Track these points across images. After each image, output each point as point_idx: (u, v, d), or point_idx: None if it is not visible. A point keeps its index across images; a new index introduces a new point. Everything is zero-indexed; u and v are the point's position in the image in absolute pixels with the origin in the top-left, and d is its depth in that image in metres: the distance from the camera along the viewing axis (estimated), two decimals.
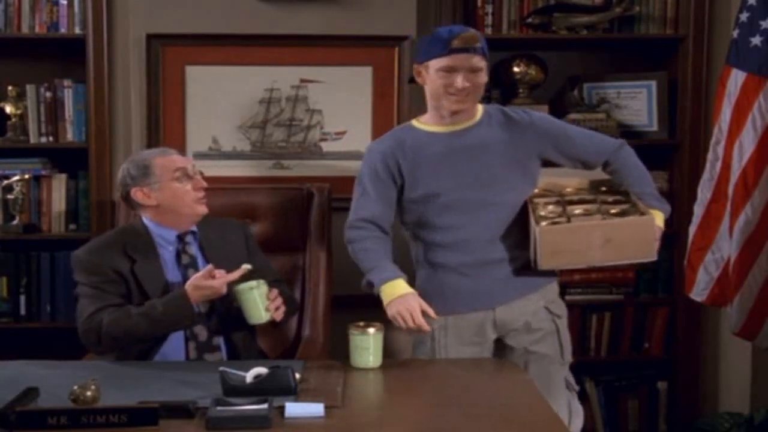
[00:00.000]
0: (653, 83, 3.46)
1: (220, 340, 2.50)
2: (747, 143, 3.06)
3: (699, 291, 3.23)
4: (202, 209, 2.54)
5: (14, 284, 3.32)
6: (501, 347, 2.58)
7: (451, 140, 2.52)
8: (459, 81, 2.43)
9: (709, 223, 3.14)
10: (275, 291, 2.41)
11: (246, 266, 2.39)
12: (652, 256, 2.45)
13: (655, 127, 3.46)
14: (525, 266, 2.50)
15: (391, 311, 2.41)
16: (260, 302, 2.35)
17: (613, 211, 2.49)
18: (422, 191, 2.51)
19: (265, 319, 2.37)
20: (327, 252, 2.98)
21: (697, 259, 3.20)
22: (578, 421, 2.60)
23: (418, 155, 2.52)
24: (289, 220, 2.98)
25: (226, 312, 2.49)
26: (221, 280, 2.34)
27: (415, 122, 2.60)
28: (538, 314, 2.54)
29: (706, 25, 3.40)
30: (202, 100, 3.30)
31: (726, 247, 3.14)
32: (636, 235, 2.42)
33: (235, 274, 2.36)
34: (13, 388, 1.94)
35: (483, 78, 2.47)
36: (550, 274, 2.55)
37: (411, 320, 2.37)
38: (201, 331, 2.47)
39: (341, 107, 3.32)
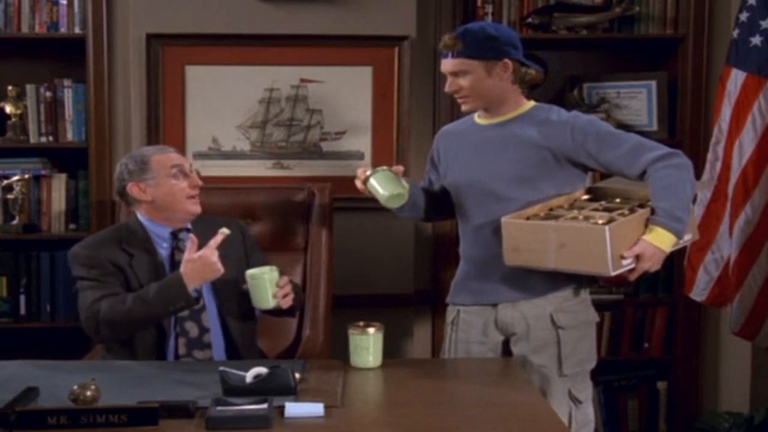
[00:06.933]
0: (653, 83, 3.46)
1: (211, 338, 2.50)
2: (747, 143, 3.07)
3: (699, 291, 3.24)
4: (195, 208, 2.55)
5: (14, 284, 3.32)
6: (507, 352, 2.56)
7: (483, 132, 2.56)
8: (446, 84, 2.52)
9: (709, 223, 3.15)
10: (286, 278, 2.43)
11: (224, 230, 2.40)
12: (605, 271, 2.28)
13: (654, 127, 3.46)
14: (534, 268, 2.44)
15: None
16: (269, 288, 2.36)
17: (601, 221, 2.33)
18: (450, 178, 2.62)
19: (271, 305, 2.38)
20: (328, 252, 2.98)
21: (697, 259, 3.21)
22: None
23: (455, 143, 2.62)
24: (290, 220, 2.98)
25: (225, 308, 2.51)
26: (207, 250, 2.34)
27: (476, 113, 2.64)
28: (540, 321, 2.48)
29: (706, 25, 3.40)
30: (202, 100, 3.29)
31: (726, 246, 3.15)
32: (587, 244, 2.27)
33: (217, 238, 2.37)
34: (13, 388, 1.94)
35: (470, 80, 2.47)
36: (564, 280, 2.47)
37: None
38: (192, 328, 2.48)
39: (341, 107, 3.32)
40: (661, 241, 2.32)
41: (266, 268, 2.38)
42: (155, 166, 2.52)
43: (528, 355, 2.48)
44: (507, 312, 2.52)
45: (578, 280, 2.49)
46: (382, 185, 2.45)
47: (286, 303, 2.42)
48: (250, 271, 2.38)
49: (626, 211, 2.40)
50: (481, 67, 2.46)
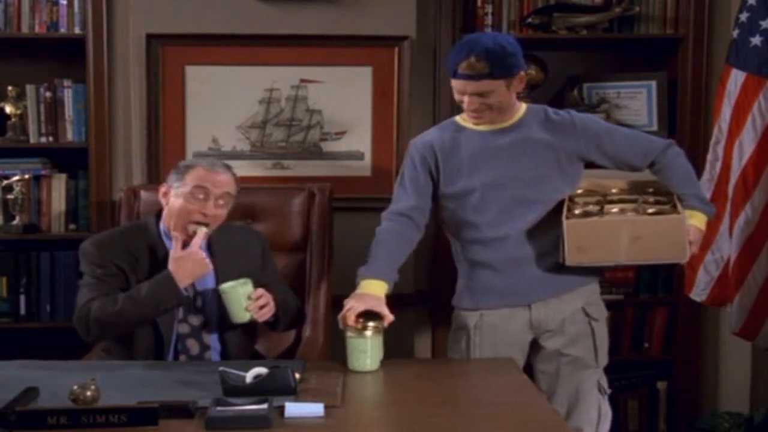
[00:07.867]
0: (653, 83, 3.46)
1: (211, 354, 2.49)
2: (747, 143, 3.07)
3: (699, 291, 3.24)
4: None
5: (14, 284, 3.31)
6: (534, 349, 2.59)
7: (491, 138, 2.55)
8: (466, 102, 2.49)
9: (709, 223, 3.14)
10: (260, 291, 2.39)
11: (202, 228, 2.39)
12: (683, 257, 2.42)
13: (654, 127, 3.46)
14: (561, 266, 2.48)
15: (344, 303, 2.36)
16: (243, 301, 2.35)
17: (650, 210, 2.44)
18: (458, 187, 2.55)
19: (246, 318, 2.37)
20: (328, 252, 2.98)
21: (697, 259, 3.20)
22: (606, 424, 2.59)
23: (456, 151, 2.57)
24: (290, 221, 2.98)
25: (222, 321, 2.47)
26: (192, 247, 2.32)
27: (458, 118, 2.62)
28: (574, 316, 2.54)
29: (706, 25, 3.40)
30: (202, 100, 3.29)
31: (726, 247, 3.15)
32: (666, 234, 2.37)
33: (200, 235, 2.36)
34: (13, 388, 1.94)
35: (495, 98, 2.46)
36: (588, 274, 2.53)
37: (342, 316, 2.31)
38: (193, 346, 2.47)
39: (341, 107, 3.32)
40: (702, 223, 2.51)
41: (240, 281, 2.36)
42: (187, 178, 2.46)
43: (562, 348, 2.54)
44: (541, 311, 2.54)
45: (597, 275, 2.59)
46: (363, 348, 2.27)
47: (262, 316, 2.39)
48: (222, 286, 2.36)
49: (651, 200, 2.52)
50: (503, 84, 2.46)
